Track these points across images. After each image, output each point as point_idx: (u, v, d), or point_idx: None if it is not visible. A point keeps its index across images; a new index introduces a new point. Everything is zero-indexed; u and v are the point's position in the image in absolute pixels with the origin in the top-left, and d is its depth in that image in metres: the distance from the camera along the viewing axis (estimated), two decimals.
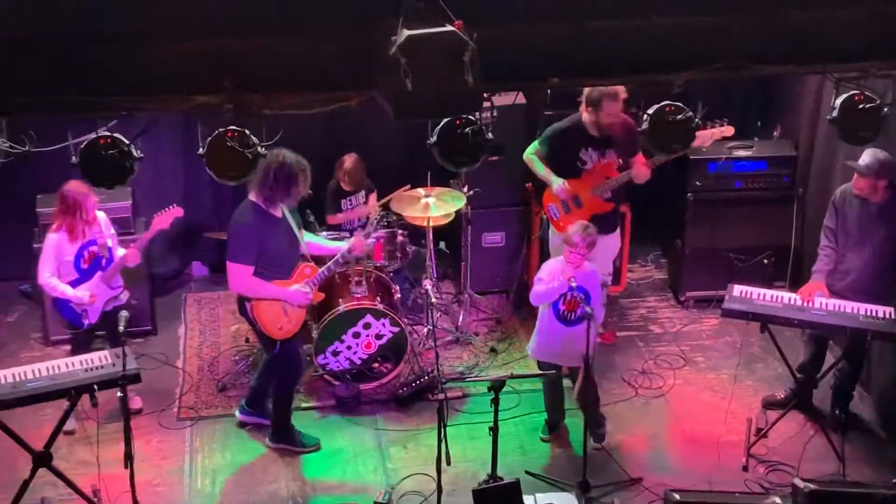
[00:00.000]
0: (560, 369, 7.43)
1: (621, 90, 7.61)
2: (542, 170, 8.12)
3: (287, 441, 7.57)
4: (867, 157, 7.09)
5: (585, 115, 7.90)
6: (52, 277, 7.36)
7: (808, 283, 7.42)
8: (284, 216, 7.23)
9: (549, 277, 7.18)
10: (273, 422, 7.61)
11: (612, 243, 8.21)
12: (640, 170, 7.88)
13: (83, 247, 7.42)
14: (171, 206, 7.62)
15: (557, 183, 7.98)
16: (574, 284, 6.95)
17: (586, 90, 7.70)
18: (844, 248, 7.40)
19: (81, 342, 7.60)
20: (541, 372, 7.44)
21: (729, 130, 7.60)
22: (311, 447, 7.58)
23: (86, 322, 7.46)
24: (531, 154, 8.16)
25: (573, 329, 7.12)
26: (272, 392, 7.62)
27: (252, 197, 7.08)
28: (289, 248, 7.30)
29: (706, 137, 7.49)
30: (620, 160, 8.01)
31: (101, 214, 7.60)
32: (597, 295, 7.22)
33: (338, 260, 7.45)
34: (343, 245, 7.55)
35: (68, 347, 7.98)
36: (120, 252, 7.53)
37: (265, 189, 6.98)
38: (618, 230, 8.38)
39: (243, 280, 7.07)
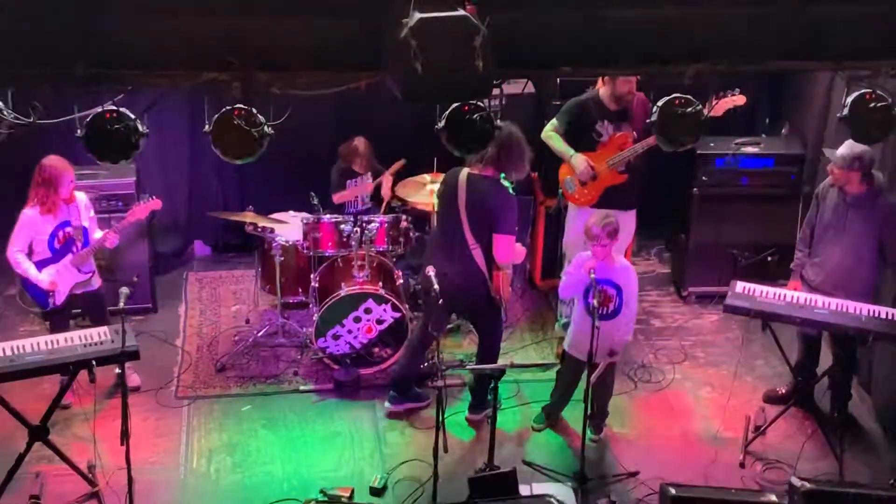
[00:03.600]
0: (588, 363, 6.96)
1: None
2: (560, 146, 8.11)
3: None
4: (844, 147, 7.06)
5: (602, 88, 7.97)
6: (19, 253, 7.27)
7: (789, 284, 7.53)
8: None
9: (575, 269, 7.11)
10: (478, 390, 7.65)
11: (628, 220, 8.14)
12: None
13: (58, 227, 7.30)
14: (150, 198, 7.57)
15: (580, 165, 7.99)
16: (593, 276, 6.80)
17: None
18: (821, 240, 7.41)
19: (59, 323, 7.48)
20: (540, 363, 7.39)
21: (741, 99, 7.47)
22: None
23: (50, 302, 7.35)
24: (549, 131, 8.15)
25: (603, 324, 6.79)
26: (485, 354, 7.54)
27: (488, 174, 7.21)
28: None
29: (721, 108, 7.32)
30: (635, 133, 7.98)
31: (80, 195, 7.49)
32: (631, 290, 7.12)
33: None
34: None
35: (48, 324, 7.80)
36: (98, 234, 7.44)
37: (506, 164, 7.17)
38: (635, 211, 8.28)
39: (512, 250, 7.30)
